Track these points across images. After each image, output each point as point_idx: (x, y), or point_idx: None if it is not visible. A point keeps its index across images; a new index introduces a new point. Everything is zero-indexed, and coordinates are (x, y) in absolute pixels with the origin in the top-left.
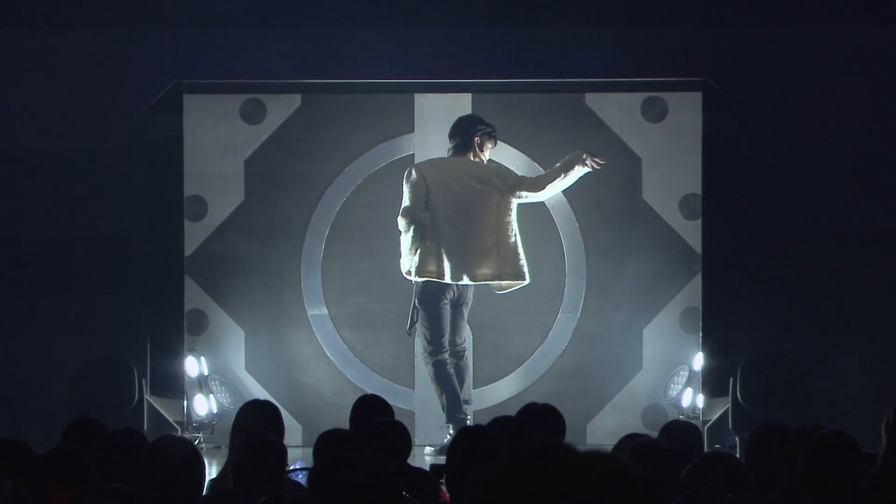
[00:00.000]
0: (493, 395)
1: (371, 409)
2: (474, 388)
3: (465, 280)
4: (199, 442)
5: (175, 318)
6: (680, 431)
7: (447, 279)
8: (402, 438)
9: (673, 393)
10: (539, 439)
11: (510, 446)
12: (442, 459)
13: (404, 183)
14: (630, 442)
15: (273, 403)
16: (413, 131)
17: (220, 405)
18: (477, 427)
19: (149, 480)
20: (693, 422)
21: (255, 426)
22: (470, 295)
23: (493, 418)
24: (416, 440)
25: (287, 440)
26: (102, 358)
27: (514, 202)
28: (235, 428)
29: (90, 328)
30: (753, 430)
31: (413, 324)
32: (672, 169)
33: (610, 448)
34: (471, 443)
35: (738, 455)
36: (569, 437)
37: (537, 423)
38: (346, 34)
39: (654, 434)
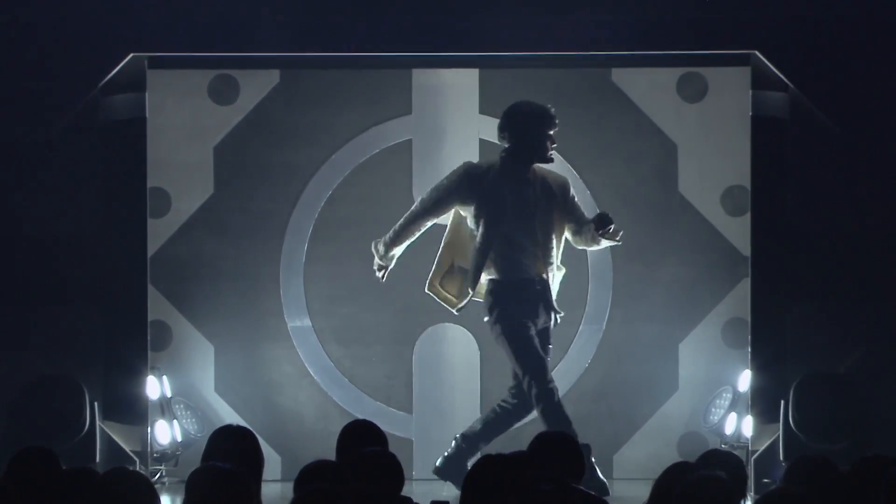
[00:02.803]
0: None
1: (361, 439)
2: (482, 413)
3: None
4: (162, 475)
5: (135, 331)
6: (720, 463)
7: None
8: (391, 471)
9: (714, 418)
10: (555, 478)
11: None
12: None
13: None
14: (679, 475)
15: (250, 430)
16: (410, 113)
17: (185, 433)
18: (497, 457)
19: None
20: (737, 452)
21: (229, 458)
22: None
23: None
24: (413, 473)
25: (263, 474)
26: (48, 377)
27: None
28: (206, 460)
29: (34, 342)
30: (790, 464)
31: None
32: (713, 157)
33: (639, 485)
34: (490, 475)
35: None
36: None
37: (551, 456)
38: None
39: None
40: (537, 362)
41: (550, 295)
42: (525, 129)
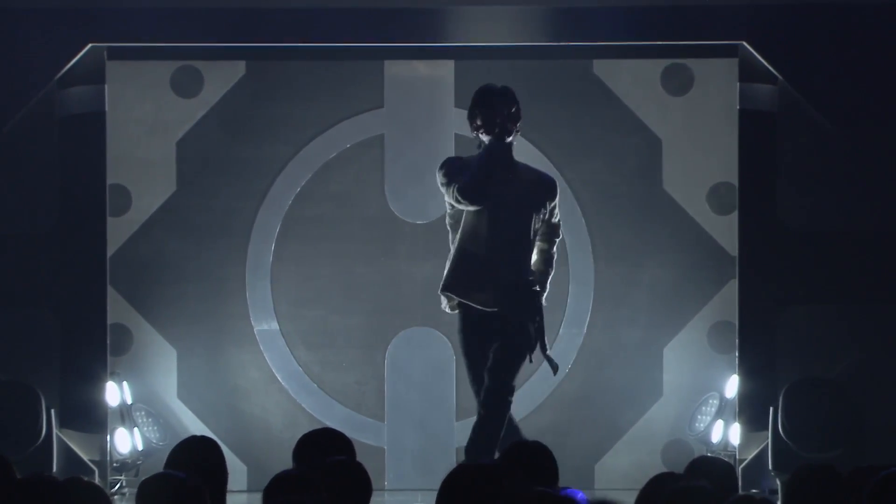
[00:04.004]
0: None
1: (320, 449)
2: (457, 420)
3: None
4: (122, 486)
5: (94, 334)
6: (710, 471)
7: None
8: (357, 482)
9: (700, 426)
10: (532, 484)
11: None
12: None
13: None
14: (664, 486)
15: (213, 441)
16: (383, 106)
17: (146, 441)
18: (474, 466)
19: None
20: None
21: (191, 469)
22: None
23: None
24: (385, 483)
25: (229, 484)
26: (2, 383)
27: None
28: None
29: None
30: (794, 473)
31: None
32: (699, 152)
33: (622, 494)
34: (466, 485)
35: (778, 502)
36: (574, 481)
37: (523, 464)
38: None
39: None
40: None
41: (524, 297)
42: (491, 108)
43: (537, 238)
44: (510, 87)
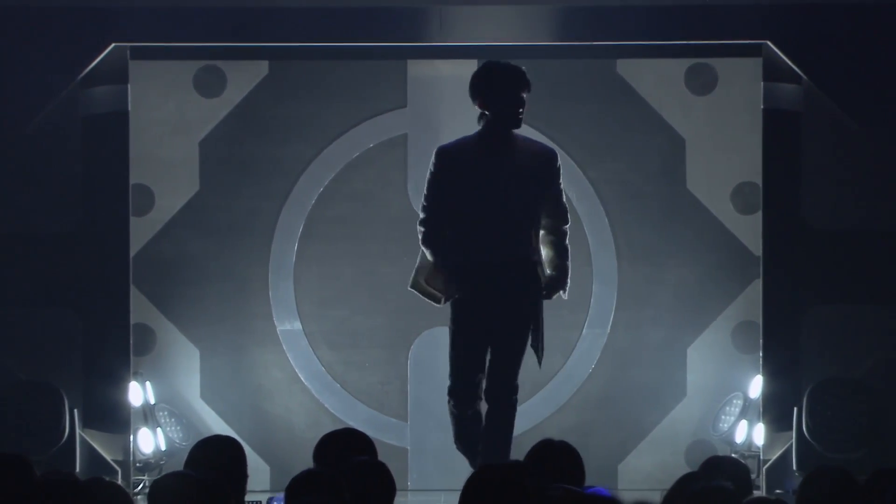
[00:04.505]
0: None
1: (340, 449)
2: None
3: None
4: (145, 486)
5: (117, 334)
6: (723, 471)
7: None
8: (380, 482)
9: (724, 426)
10: (558, 487)
11: (528, 495)
12: None
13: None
14: (688, 486)
15: (233, 439)
16: (405, 106)
17: (169, 441)
18: (496, 467)
19: None
20: (748, 461)
21: (209, 468)
22: None
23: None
24: (409, 483)
25: (251, 484)
26: (25, 383)
27: None
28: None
29: (10, 346)
30: (806, 476)
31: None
32: (723, 152)
33: (646, 495)
34: (489, 487)
35: None
36: (597, 481)
37: (550, 464)
38: None
39: None
40: (458, 365)
41: (523, 277)
42: (502, 92)
43: (543, 230)
44: (522, 69)
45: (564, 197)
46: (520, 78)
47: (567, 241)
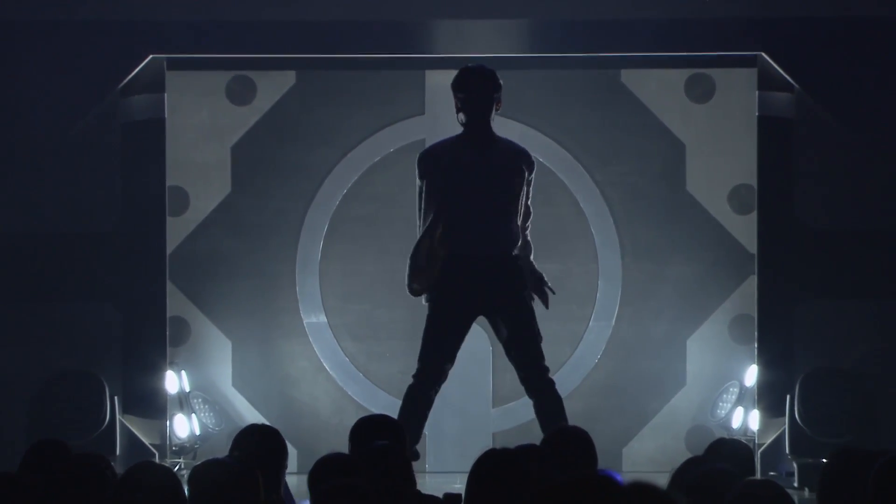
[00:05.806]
0: (514, 416)
1: (375, 433)
2: (494, 407)
3: None
4: (180, 468)
5: (154, 326)
6: (728, 453)
7: None
8: (400, 465)
9: (721, 412)
10: (571, 468)
11: (541, 476)
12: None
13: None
14: (691, 469)
15: (274, 429)
16: (423, 113)
17: (203, 426)
18: (500, 451)
19: None
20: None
21: (250, 454)
22: None
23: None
24: (426, 466)
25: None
26: (69, 372)
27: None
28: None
29: (55, 338)
30: (831, 456)
31: None
32: (721, 156)
33: (648, 476)
34: (493, 469)
35: (794, 483)
36: (602, 465)
37: (564, 448)
38: (346, 1)
39: None
40: (427, 349)
41: (510, 273)
42: (475, 92)
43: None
44: (492, 70)
45: (531, 198)
46: (489, 78)
47: (530, 238)
